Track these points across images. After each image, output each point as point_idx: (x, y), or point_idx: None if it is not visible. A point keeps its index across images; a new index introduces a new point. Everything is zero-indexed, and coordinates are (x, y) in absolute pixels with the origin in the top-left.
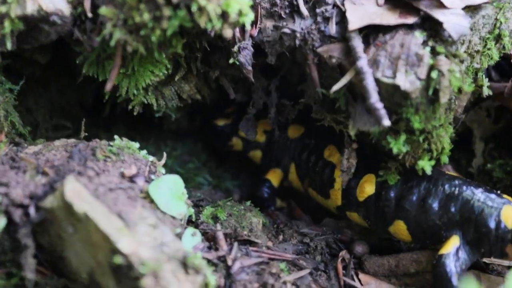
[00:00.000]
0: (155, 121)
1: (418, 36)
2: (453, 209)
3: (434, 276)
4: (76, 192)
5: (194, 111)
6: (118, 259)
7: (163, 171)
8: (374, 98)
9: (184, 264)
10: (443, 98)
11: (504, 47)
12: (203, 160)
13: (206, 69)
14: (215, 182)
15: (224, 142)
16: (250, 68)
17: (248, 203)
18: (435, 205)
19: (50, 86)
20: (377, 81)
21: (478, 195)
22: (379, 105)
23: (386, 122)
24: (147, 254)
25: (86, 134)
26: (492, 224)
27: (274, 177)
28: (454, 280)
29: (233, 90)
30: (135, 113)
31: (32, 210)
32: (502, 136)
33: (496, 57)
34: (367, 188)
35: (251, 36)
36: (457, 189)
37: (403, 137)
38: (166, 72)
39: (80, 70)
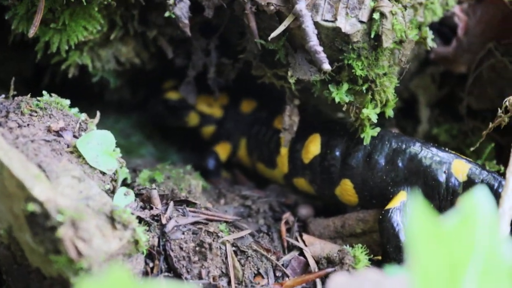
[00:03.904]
0: (95, 91)
1: None
2: (400, 164)
3: (380, 232)
4: None
5: (137, 82)
6: (32, 206)
7: (95, 129)
8: (314, 41)
9: (112, 219)
10: (386, 43)
11: (447, 3)
12: (147, 134)
13: (143, 29)
14: (159, 155)
15: (179, 118)
16: (186, 21)
17: (189, 167)
18: (382, 161)
19: None
20: (317, 25)
21: (426, 149)
22: (319, 48)
23: (326, 66)
24: (66, 203)
25: (16, 93)
26: (441, 178)
27: (222, 150)
28: (402, 235)
29: (174, 55)
30: (69, 75)
31: None
32: (447, 102)
33: (439, 13)
34: (312, 148)
35: None
36: (404, 144)
37: (345, 87)
38: (99, 28)
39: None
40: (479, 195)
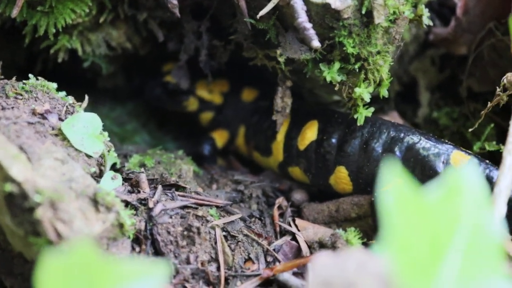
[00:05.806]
0: (88, 77)
1: None
2: (397, 153)
3: (371, 214)
4: None
5: (131, 69)
6: (9, 187)
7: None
8: (302, 17)
9: (95, 202)
10: (378, 19)
11: None
12: (142, 122)
13: (133, 12)
14: (154, 143)
15: (178, 102)
16: (175, 2)
17: (181, 152)
18: (379, 149)
19: None
20: (306, 2)
21: (425, 140)
22: (308, 25)
23: (316, 43)
24: (45, 184)
25: (2, 77)
26: (439, 168)
27: (219, 137)
28: None
29: (166, 39)
30: (59, 60)
31: None
32: (448, 85)
33: None
34: (309, 134)
35: None
36: (402, 133)
37: (337, 65)
38: (88, 11)
39: None
40: (467, 168)
